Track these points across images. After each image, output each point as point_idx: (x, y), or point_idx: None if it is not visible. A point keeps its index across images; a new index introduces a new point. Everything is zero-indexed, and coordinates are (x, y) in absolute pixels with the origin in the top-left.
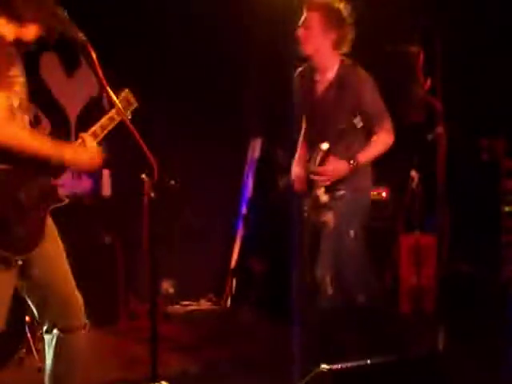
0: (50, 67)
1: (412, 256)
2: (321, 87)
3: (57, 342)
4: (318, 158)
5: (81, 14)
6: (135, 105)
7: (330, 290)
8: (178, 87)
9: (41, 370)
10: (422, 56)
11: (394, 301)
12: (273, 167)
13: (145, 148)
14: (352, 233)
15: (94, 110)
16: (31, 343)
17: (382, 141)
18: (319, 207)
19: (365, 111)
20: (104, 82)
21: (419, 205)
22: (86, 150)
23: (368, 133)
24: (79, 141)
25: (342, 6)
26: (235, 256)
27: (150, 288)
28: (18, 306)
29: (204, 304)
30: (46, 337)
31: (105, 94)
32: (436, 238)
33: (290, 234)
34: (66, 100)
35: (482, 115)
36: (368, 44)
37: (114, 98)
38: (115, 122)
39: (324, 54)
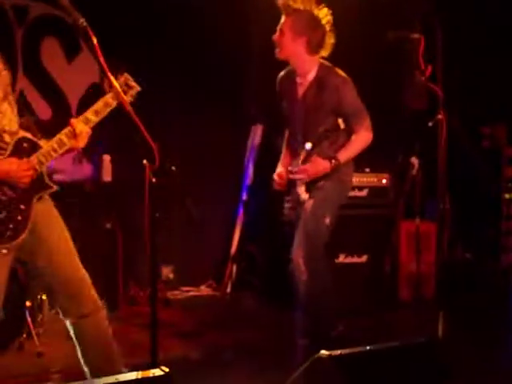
0: (51, 53)
1: (412, 242)
2: (301, 89)
3: (73, 327)
4: (301, 157)
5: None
6: (136, 88)
7: (304, 275)
8: (178, 73)
9: (41, 354)
10: (422, 43)
11: (394, 287)
12: (273, 153)
13: (145, 133)
14: (327, 220)
15: (95, 96)
16: (31, 328)
17: (362, 139)
18: (300, 204)
19: (344, 111)
20: (105, 66)
21: (419, 191)
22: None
23: (349, 132)
24: (68, 128)
25: (316, 10)
26: (235, 242)
27: (150, 274)
28: (18, 291)
29: (204, 290)
30: (65, 321)
31: (105, 79)
32: (436, 224)
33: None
34: (67, 86)
35: (484, 103)
36: (369, 31)
37: (115, 82)
38: (111, 107)
39: (300, 57)
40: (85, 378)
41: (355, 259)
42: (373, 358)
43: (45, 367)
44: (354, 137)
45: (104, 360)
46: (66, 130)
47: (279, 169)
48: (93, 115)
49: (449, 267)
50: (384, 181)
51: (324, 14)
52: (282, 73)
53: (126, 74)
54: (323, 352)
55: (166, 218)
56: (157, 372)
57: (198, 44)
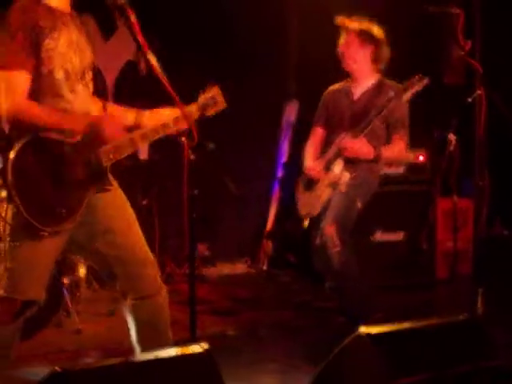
0: (87, 30)
1: (449, 220)
2: (358, 93)
3: (131, 308)
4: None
5: None
6: (222, 105)
7: (338, 246)
8: (214, 51)
9: (79, 331)
10: (462, 17)
11: (431, 265)
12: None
13: (184, 111)
14: (359, 204)
15: (130, 74)
16: (69, 305)
17: (402, 150)
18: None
19: (393, 119)
20: (144, 45)
21: (456, 168)
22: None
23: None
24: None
25: (374, 27)
26: (271, 219)
27: (187, 252)
28: (55, 268)
29: (240, 267)
30: (123, 302)
31: (142, 58)
32: (473, 201)
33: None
34: (102, 63)
35: None
36: (409, 6)
37: (154, 61)
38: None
39: (366, 64)
40: (122, 355)
41: (392, 236)
42: (411, 335)
43: (83, 344)
44: (396, 145)
45: (158, 343)
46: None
47: (308, 163)
48: (151, 134)
49: (487, 244)
50: (421, 157)
51: (378, 31)
52: (334, 86)
53: (216, 88)
54: (362, 330)
55: (202, 195)
56: (196, 348)
57: (234, 21)
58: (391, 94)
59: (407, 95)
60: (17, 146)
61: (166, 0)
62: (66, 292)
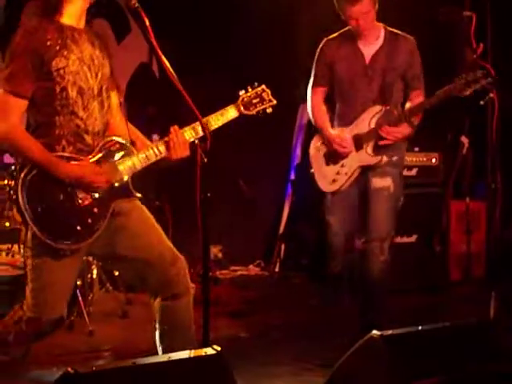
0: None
1: (462, 222)
2: (368, 55)
3: (161, 309)
4: (374, 120)
5: None
6: (272, 103)
7: (384, 255)
8: (228, 53)
9: (92, 333)
10: (474, 20)
11: (444, 267)
12: None
13: (197, 113)
14: (400, 202)
15: (143, 76)
16: (82, 307)
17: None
18: (373, 169)
19: (412, 73)
20: (157, 48)
21: (469, 171)
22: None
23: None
24: (166, 137)
25: None
26: (284, 221)
27: (201, 254)
28: None
29: (253, 269)
30: (153, 302)
31: (156, 61)
32: (486, 204)
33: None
34: (116, 65)
35: None
36: (421, 9)
37: (167, 64)
38: (229, 119)
39: (374, 24)
40: (135, 356)
41: (405, 239)
42: (424, 338)
43: (95, 346)
44: (418, 99)
45: (181, 344)
46: (164, 139)
47: (338, 132)
48: (191, 132)
49: (500, 246)
50: (433, 160)
51: None
52: (330, 38)
53: (263, 86)
54: (375, 332)
55: (214, 196)
56: (209, 351)
57: (251, 22)
58: (406, 47)
59: (468, 91)
60: (27, 167)
61: (181, 5)
62: (78, 293)
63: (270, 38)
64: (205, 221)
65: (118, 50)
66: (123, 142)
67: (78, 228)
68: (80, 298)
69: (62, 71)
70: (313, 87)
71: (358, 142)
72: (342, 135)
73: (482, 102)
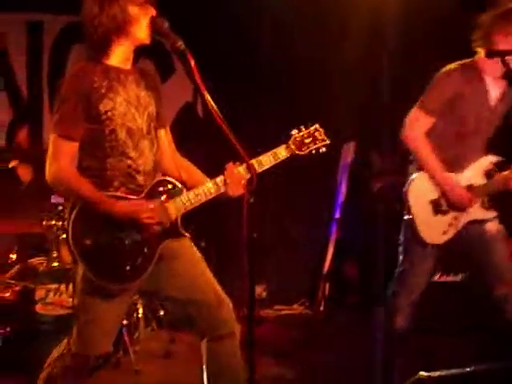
0: None
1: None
2: (493, 96)
3: (208, 350)
4: (486, 171)
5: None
6: (325, 143)
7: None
8: (269, 91)
9: (138, 372)
10: None
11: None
12: (367, 170)
13: (244, 153)
14: None
15: (187, 115)
16: (128, 345)
17: None
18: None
19: None
20: (203, 88)
21: None
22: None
23: None
24: (222, 176)
25: None
26: (328, 260)
27: (246, 294)
28: None
29: (297, 308)
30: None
31: (201, 101)
32: None
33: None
34: None
35: None
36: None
37: (212, 103)
38: (279, 159)
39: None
40: None
41: (450, 277)
42: (471, 379)
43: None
44: None
45: (226, 382)
46: (215, 179)
47: (460, 184)
48: (256, 163)
49: None
50: None
51: None
52: (454, 71)
53: (316, 126)
54: (422, 373)
55: (259, 236)
56: None
57: (287, 59)
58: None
59: None
60: (78, 206)
61: (219, 41)
62: (124, 332)
63: (313, 80)
64: (251, 261)
65: (162, 89)
66: (173, 181)
67: (128, 268)
68: (126, 337)
69: (110, 113)
70: (421, 115)
71: (476, 193)
72: (460, 187)
73: None
